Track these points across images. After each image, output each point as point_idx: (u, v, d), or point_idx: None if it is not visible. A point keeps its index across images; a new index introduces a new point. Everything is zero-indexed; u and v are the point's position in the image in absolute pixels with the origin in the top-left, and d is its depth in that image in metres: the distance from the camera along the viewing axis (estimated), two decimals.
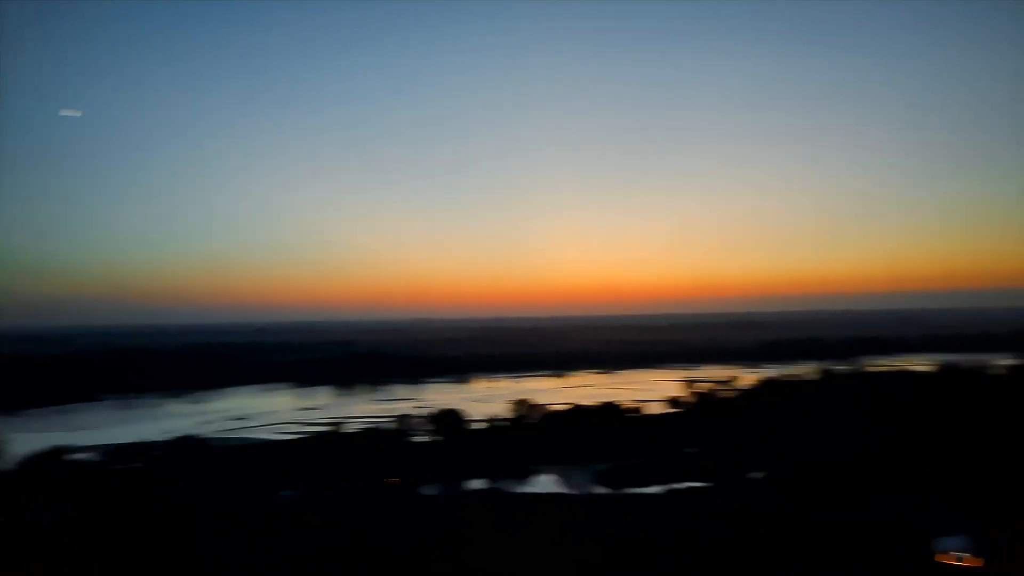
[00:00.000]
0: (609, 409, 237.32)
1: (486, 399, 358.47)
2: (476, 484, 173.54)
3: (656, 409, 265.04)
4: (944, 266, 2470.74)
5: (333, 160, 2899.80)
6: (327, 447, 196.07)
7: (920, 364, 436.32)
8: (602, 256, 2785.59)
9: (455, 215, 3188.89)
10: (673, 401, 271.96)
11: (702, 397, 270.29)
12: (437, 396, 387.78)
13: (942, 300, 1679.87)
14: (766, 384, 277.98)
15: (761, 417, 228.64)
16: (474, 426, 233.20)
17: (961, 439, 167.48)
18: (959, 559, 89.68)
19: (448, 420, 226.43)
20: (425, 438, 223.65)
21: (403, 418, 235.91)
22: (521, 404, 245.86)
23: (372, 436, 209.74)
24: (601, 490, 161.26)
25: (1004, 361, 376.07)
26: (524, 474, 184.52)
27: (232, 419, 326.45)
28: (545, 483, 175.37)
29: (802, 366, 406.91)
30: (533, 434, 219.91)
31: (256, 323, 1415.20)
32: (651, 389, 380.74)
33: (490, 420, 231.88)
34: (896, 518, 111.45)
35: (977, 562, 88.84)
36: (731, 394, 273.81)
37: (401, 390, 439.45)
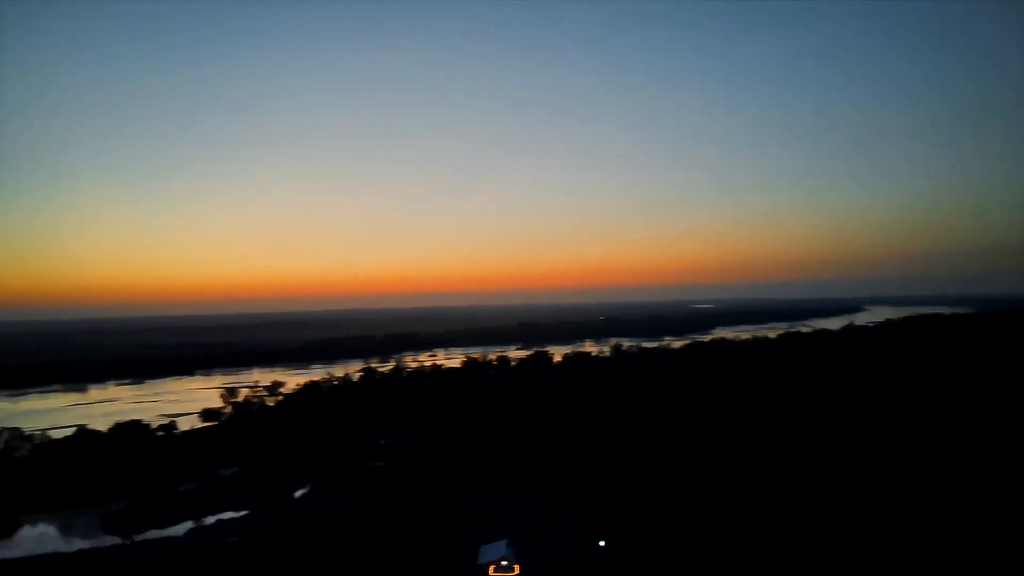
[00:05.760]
0: (128, 430, 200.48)
1: None
2: None
3: (188, 425, 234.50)
4: (465, 270, 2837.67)
5: None
6: None
7: (449, 358, 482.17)
8: (144, 251, 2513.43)
9: None
10: (209, 413, 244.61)
11: (243, 407, 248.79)
12: None
13: (463, 299, 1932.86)
14: (312, 387, 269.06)
15: (308, 425, 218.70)
16: None
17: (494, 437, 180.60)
18: (500, 567, 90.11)
19: None
20: None
21: None
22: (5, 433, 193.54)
23: None
24: (111, 540, 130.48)
25: (517, 352, 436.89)
26: (5, 531, 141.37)
27: None
28: (35, 539, 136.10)
29: (347, 365, 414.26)
30: (21, 472, 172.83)
31: None
32: (185, 400, 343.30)
33: None
34: (446, 525, 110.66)
35: (515, 568, 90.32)
36: (275, 401, 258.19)
37: None
